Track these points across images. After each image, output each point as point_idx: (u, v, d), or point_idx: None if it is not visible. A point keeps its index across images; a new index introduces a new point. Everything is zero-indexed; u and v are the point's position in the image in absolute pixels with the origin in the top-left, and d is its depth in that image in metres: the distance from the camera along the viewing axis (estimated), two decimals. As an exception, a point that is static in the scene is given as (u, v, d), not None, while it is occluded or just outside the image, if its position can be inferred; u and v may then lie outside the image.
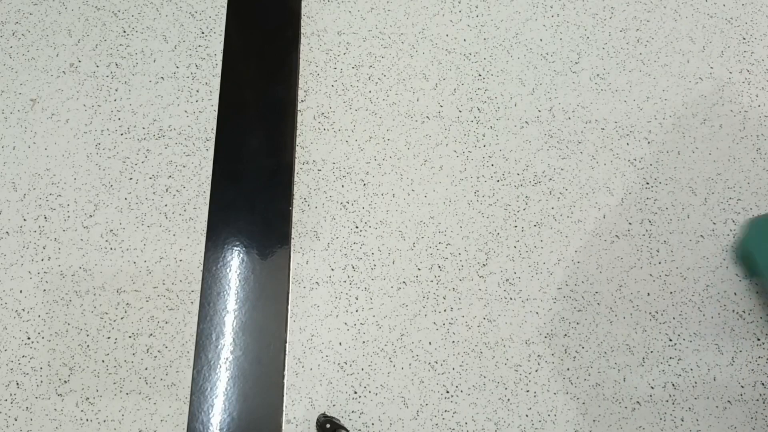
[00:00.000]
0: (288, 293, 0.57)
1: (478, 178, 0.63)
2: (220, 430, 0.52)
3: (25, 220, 0.58)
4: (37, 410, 0.52)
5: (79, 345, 0.54)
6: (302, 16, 0.68)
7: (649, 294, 0.58)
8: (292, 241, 0.59)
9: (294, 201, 0.60)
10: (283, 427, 0.52)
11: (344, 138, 0.63)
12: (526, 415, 0.53)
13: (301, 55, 0.66)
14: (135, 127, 0.62)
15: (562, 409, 0.53)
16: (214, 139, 0.62)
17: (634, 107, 0.64)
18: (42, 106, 0.63)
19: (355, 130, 0.63)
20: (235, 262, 0.58)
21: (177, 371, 0.54)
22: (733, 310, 0.57)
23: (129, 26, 0.67)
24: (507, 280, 0.58)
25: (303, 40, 0.67)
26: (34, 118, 0.62)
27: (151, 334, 0.55)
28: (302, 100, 0.64)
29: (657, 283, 0.58)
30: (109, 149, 0.61)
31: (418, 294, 0.57)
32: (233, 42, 0.67)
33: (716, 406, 0.51)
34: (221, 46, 0.67)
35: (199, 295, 0.56)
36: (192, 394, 0.53)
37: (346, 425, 0.51)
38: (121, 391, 0.53)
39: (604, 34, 0.68)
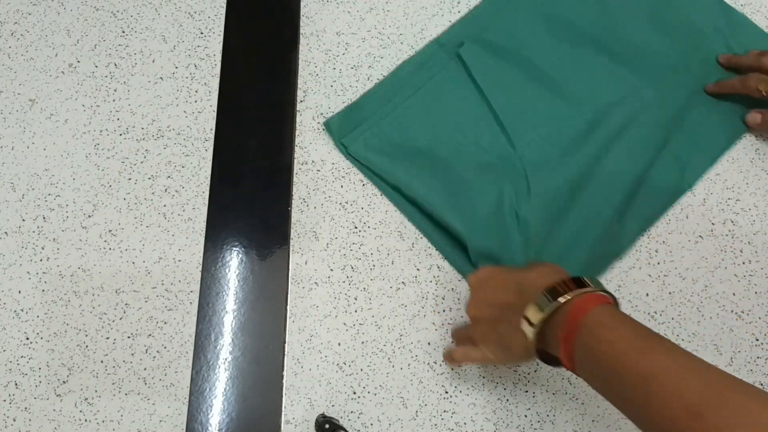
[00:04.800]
0: (287, 293, 0.57)
1: (477, 178, 0.63)
2: (218, 430, 0.52)
3: (23, 220, 0.58)
4: (35, 411, 0.52)
5: (77, 345, 0.54)
6: (301, 16, 0.68)
7: (647, 294, 0.58)
8: (291, 241, 0.59)
9: (293, 201, 0.60)
10: (282, 428, 0.52)
11: (343, 138, 0.63)
12: (525, 416, 0.53)
13: (300, 56, 0.66)
14: (134, 127, 0.62)
15: (561, 410, 0.53)
16: (213, 140, 0.62)
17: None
18: (41, 107, 0.63)
19: (354, 130, 0.63)
20: (233, 262, 0.58)
21: (176, 372, 0.54)
22: (732, 311, 0.57)
23: (128, 26, 0.67)
24: (506, 280, 0.58)
25: (302, 41, 0.67)
26: (32, 118, 0.62)
27: (150, 335, 0.55)
28: (301, 101, 0.64)
29: (656, 283, 0.58)
30: (108, 149, 0.61)
31: (417, 294, 0.57)
32: (232, 42, 0.67)
33: None
34: (220, 47, 0.67)
35: (197, 295, 0.56)
36: (191, 394, 0.53)
37: (345, 425, 0.51)
38: (119, 392, 0.53)
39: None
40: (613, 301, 0.46)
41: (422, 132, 0.62)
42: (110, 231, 0.58)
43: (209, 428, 0.52)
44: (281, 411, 0.53)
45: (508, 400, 0.54)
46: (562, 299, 0.43)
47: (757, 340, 0.56)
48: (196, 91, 0.64)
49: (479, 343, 0.51)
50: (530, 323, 0.44)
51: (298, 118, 0.63)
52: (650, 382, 0.37)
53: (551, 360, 0.46)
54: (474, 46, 0.65)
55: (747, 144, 0.64)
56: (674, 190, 0.61)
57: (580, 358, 0.42)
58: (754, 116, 0.63)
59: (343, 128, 0.62)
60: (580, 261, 0.57)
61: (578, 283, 0.44)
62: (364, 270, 0.58)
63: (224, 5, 0.68)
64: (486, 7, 0.68)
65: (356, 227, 0.59)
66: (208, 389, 0.53)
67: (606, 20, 0.67)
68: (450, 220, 0.57)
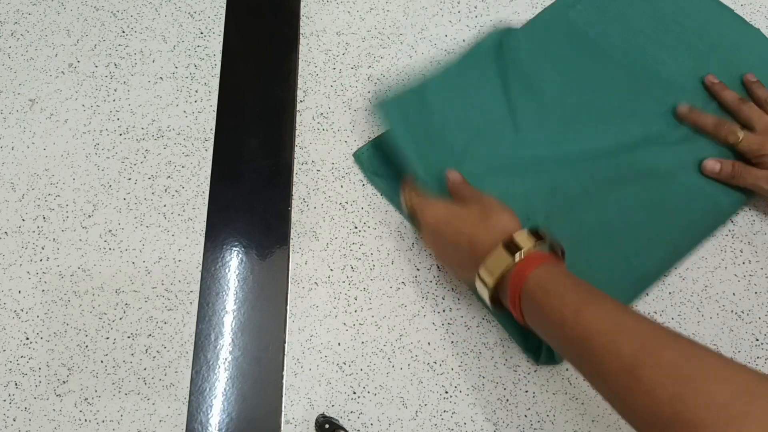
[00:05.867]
0: (287, 293, 0.57)
1: (477, 178, 0.63)
2: (218, 430, 0.52)
3: (23, 220, 0.58)
4: (35, 411, 0.52)
5: (77, 345, 0.54)
6: (301, 16, 0.68)
7: (647, 294, 0.58)
8: (290, 241, 0.59)
9: (293, 201, 0.60)
10: (282, 428, 0.52)
11: (343, 138, 0.63)
12: (525, 416, 0.53)
13: (300, 56, 0.66)
14: (134, 127, 0.62)
15: (561, 410, 0.53)
16: (213, 140, 0.62)
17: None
18: (41, 107, 0.63)
19: (354, 130, 0.63)
20: (233, 262, 0.58)
21: (176, 372, 0.54)
22: (732, 311, 0.57)
23: (128, 26, 0.67)
24: (506, 280, 0.58)
25: (302, 41, 0.67)
26: (32, 118, 0.62)
27: (150, 335, 0.55)
28: (301, 101, 0.64)
29: (656, 284, 0.58)
30: (108, 149, 0.61)
31: (417, 294, 0.57)
32: (232, 42, 0.67)
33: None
34: (220, 47, 0.67)
35: (197, 295, 0.56)
36: (191, 394, 0.53)
37: (345, 425, 0.51)
38: (119, 392, 0.53)
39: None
40: (560, 255, 0.48)
41: (442, 110, 0.60)
42: (110, 231, 0.58)
43: (209, 428, 0.52)
44: (281, 411, 0.53)
45: (508, 400, 0.54)
46: (506, 263, 0.46)
47: (757, 340, 0.56)
48: (196, 91, 0.64)
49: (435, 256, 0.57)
50: (484, 284, 0.47)
51: (298, 118, 0.63)
52: (587, 343, 0.39)
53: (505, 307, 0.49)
54: (515, 40, 0.64)
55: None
56: (709, 224, 0.59)
57: (529, 320, 0.45)
58: (713, 165, 0.59)
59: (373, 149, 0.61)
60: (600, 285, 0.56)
61: (529, 235, 0.47)
62: (364, 270, 0.58)
63: (224, 5, 0.68)
64: (523, 28, 0.67)
65: (356, 227, 0.59)
66: (208, 389, 0.53)
67: (646, 68, 0.65)
68: None
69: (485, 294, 0.48)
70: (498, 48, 0.64)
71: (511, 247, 0.46)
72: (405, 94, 0.60)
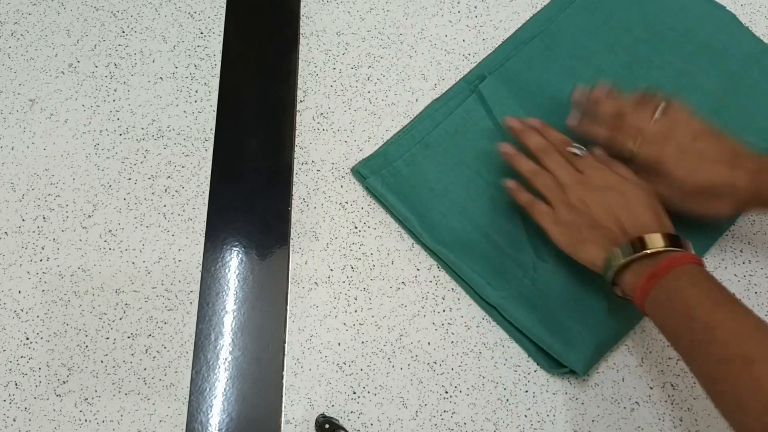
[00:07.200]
0: (287, 293, 0.57)
1: (477, 178, 0.63)
2: (218, 430, 0.52)
3: (23, 220, 0.58)
4: (35, 411, 0.52)
5: (77, 345, 0.54)
6: (301, 16, 0.68)
7: None
8: (291, 241, 0.59)
9: (293, 201, 0.60)
10: (282, 428, 0.52)
11: (343, 138, 0.63)
12: (525, 416, 0.53)
13: (300, 56, 0.66)
14: (134, 127, 0.62)
15: (561, 410, 0.54)
16: (213, 140, 0.62)
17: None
18: (41, 107, 0.63)
19: (354, 130, 0.63)
20: (233, 262, 0.58)
21: (176, 372, 0.54)
22: (732, 311, 0.57)
23: (128, 26, 0.67)
24: (506, 280, 0.58)
25: (302, 41, 0.67)
26: (32, 118, 0.62)
27: (150, 335, 0.55)
28: (301, 101, 0.64)
29: None
30: (108, 149, 0.61)
31: (417, 294, 0.57)
32: (232, 42, 0.67)
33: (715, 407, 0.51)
34: (220, 47, 0.67)
35: (197, 295, 0.56)
36: (191, 394, 0.53)
37: (345, 425, 0.51)
38: (119, 392, 0.53)
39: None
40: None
41: (438, 172, 0.60)
42: (110, 231, 0.58)
43: (209, 428, 0.52)
44: (281, 411, 0.53)
45: (508, 400, 0.54)
46: (662, 249, 0.47)
47: (757, 340, 0.56)
48: (196, 91, 0.64)
49: (551, 224, 0.53)
50: (619, 258, 0.48)
51: (298, 118, 0.63)
52: (715, 332, 0.42)
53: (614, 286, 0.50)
54: (494, 81, 0.64)
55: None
56: (718, 231, 0.59)
57: (655, 299, 0.46)
58: (573, 118, 0.58)
59: (369, 166, 0.60)
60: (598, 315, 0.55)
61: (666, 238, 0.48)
62: (364, 270, 0.58)
63: (224, 5, 0.68)
64: (512, 40, 0.67)
65: (356, 227, 0.59)
66: (208, 389, 0.53)
67: (634, 69, 0.65)
68: (463, 273, 0.56)
69: (617, 264, 0.48)
70: (479, 82, 0.64)
71: (665, 239, 0.48)
72: (387, 156, 0.61)
